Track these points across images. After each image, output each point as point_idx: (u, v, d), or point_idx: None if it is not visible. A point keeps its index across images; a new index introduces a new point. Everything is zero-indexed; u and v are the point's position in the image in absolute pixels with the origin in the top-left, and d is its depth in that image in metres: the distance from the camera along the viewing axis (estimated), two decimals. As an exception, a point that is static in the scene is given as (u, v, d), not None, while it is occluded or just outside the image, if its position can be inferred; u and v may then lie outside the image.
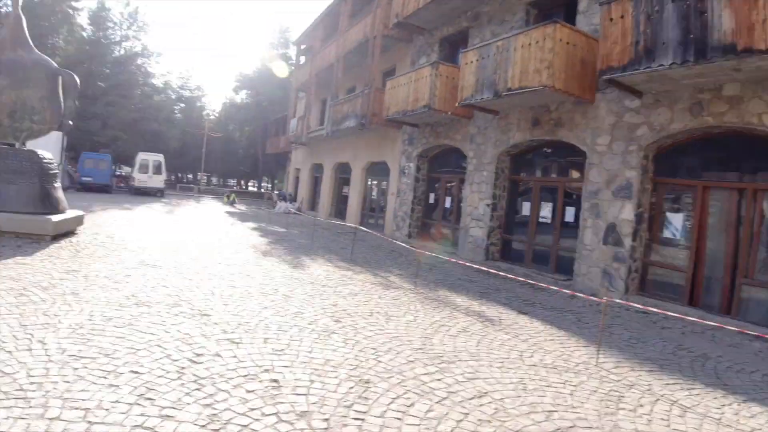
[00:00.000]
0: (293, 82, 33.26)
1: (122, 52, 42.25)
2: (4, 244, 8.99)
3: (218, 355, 4.32)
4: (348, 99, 21.76)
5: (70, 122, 11.40)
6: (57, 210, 10.53)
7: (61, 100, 10.90)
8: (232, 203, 31.82)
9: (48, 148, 30.30)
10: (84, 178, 28.90)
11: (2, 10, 34.56)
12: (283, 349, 4.62)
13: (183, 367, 3.99)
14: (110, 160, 30.54)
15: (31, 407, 3.22)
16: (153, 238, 11.51)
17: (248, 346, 4.63)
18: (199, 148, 46.13)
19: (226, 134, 50.66)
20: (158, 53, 45.71)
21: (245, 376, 3.95)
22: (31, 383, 3.57)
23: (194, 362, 4.13)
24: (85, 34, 41.96)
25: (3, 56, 10.34)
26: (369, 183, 22.23)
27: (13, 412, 3.14)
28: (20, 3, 10.91)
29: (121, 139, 37.73)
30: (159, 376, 3.78)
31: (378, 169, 20.87)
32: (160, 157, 31.58)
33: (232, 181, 68.96)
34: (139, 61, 42.81)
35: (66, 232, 10.52)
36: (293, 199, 31.72)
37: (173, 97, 49.13)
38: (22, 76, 10.37)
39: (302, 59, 32.65)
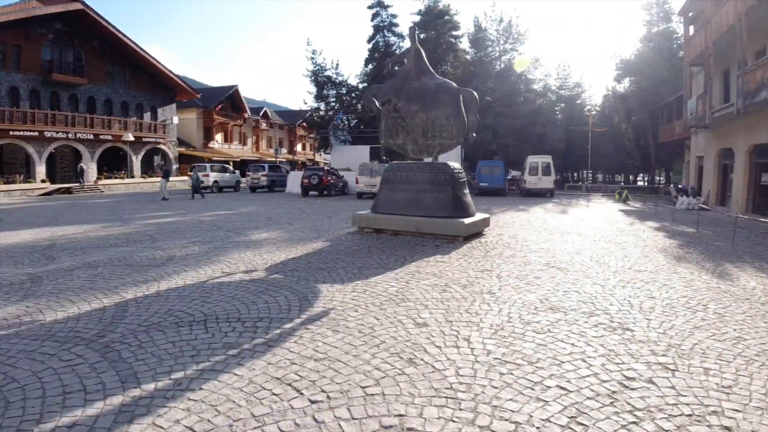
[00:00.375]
0: (685, 57, 29.28)
1: (502, 65, 44.91)
2: (425, 243, 10.36)
3: (652, 382, 3.71)
4: (765, 62, 17.71)
5: (474, 134, 12.42)
6: (467, 214, 11.58)
7: (464, 115, 11.98)
8: (624, 200, 29.84)
9: (450, 159, 35.31)
10: (481, 184, 31.70)
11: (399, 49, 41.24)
12: (730, 387, 3.69)
13: (614, 391, 3.54)
14: (503, 165, 32.69)
15: (461, 410, 3.26)
16: (552, 238, 11.54)
17: (685, 375, 3.86)
18: (583, 146, 45.41)
19: (611, 127, 48.51)
20: (535, 59, 45.91)
21: (689, 416, 3.25)
22: (460, 383, 3.66)
23: (626, 387, 3.63)
24: (468, 57, 46.47)
25: (412, 85, 12.02)
26: None
27: (444, 413, 3.22)
28: (417, 38, 12.53)
29: (511, 146, 40.13)
30: (588, 398, 3.43)
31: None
32: (548, 159, 32.13)
33: (619, 177, 65.94)
34: (518, 71, 44.83)
35: (475, 233, 11.52)
36: (697, 193, 27.53)
37: (553, 98, 49.59)
38: (429, 99, 11.79)
39: (691, 30, 28.50)
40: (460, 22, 48.42)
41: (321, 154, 57.31)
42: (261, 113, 62.46)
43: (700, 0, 25.84)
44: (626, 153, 50.71)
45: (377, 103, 12.45)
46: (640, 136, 45.59)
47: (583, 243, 10.91)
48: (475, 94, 12.48)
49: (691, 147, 30.76)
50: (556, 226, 14.18)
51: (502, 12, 43.02)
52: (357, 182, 26.04)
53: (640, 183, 57.54)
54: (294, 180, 32.41)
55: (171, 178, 42.94)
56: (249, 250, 9.50)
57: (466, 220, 11.11)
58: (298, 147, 72.03)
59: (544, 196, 31.21)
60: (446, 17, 47.10)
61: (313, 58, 43.23)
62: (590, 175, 55.04)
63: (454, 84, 12.26)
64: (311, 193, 28.19)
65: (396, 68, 12.15)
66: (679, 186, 31.65)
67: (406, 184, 11.82)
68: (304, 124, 67.77)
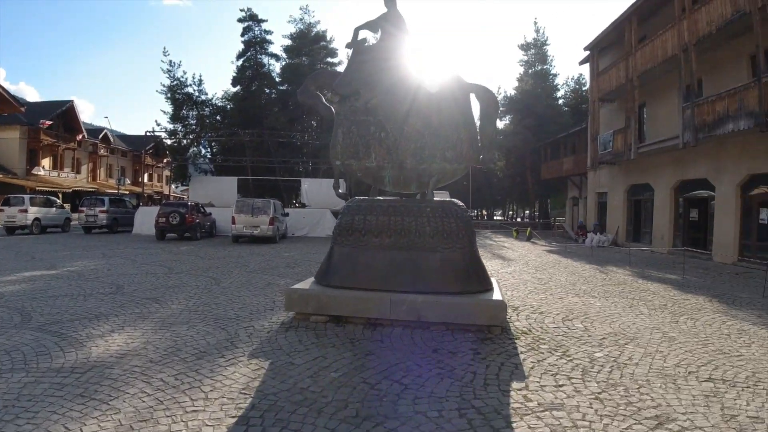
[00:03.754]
0: (592, 93, 28.05)
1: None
2: (442, 345, 5.64)
3: None
4: (729, 93, 16.16)
5: (491, 156, 7.90)
6: (488, 283, 7.00)
7: (476, 125, 7.48)
8: (529, 238, 28.01)
9: (323, 197, 30.90)
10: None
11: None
12: None
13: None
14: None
15: None
16: (589, 310, 7.93)
17: None
18: (460, 182, 43.56)
19: (489, 164, 47.56)
20: None
21: None
22: None
23: None
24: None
25: (388, 70, 7.29)
26: (749, 203, 16.89)
27: None
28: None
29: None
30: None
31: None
32: (446, 195, 28.97)
33: (497, 213, 66.67)
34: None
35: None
36: (602, 230, 26.42)
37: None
38: (428, 98, 7.17)
39: (600, 65, 27.34)
40: (337, 49, 44.73)
41: (175, 186, 49.27)
42: (100, 136, 52.75)
43: (616, 33, 24.72)
44: (503, 189, 50.43)
45: (323, 99, 7.51)
46: (518, 173, 45.04)
47: (592, 306, 7.70)
48: (494, 93, 8.01)
49: (590, 183, 29.90)
50: (545, 283, 10.37)
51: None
52: (233, 222, 20.22)
53: (519, 219, 57.85)
54: (145, 218, 25.51)
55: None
56: (85, 418, 3.75)
57: (496, 295, 6.64)
58: (145, 177, 62.63)
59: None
60: (322, 43, 43.27)
61: (170, 71, 36.39)
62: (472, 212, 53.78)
63: (461, 76, 7.59)
64: (169, 235, 21.78)
65: (363, 43, 7.07)
66: (580, 222, 30.44)
67: (387, 236, 6.89)
68: (152, 150, 59.44)
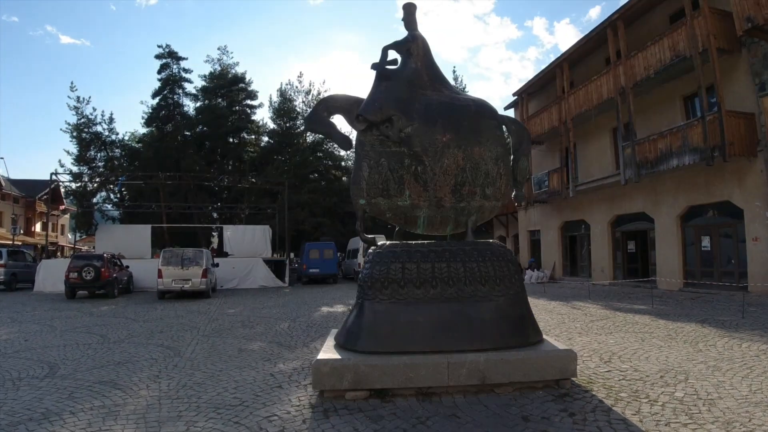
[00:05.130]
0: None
1: (312, 138, 40.66)
2: (519, 407, 4.85)
3: None
4: (671, 132, 16.87)
5: (523, 194, 6.96)
6: (539, 331, 5.98)
7: (510, 159, 6.52)
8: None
9: (260, 242, 28.84)
10: (310, 270, 26.04)
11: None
12: None
13: None
14: (334, 248, 27.48)
15: None
16: (597, 352, 7.03)
17: None
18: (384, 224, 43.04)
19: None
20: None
21: None
22: None
23: None
24: (271, 128, 41.75)
25: (429, 98, 6.21)
26: (689, 232, 18.24)
27: None
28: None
29: (326, 225, 35.28)
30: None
31: (707, 214, 17.58)
32: (383, 239, 28.04)
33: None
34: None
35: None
36: (538, 266, 26.69)
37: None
38: (468, 125, 6.13)
39: (530, 109, 28.02)
40: (258, 91, 43.33)
41: (78, 236, 44.73)
42: (-14, 181, 46.98)
43: (545, 79, 25.78)
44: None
45: (339, 132, 6.26)
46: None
47: (653, 351, 6.92)
48: (524, 126, 7.14)
49: (521, 222, 30.37)
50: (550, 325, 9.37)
51: (311, 83, 38.99)
52: (160, 275, 17.85)
53: None
54: (48, 273, 22.28)
55: None
56: None
57: (558, 344, 5.85)
58: (38, 227, 56.58)
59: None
60: (241, 84, 41.73)
61: (77, 108, 33.15)
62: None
63: (491, 105, 6.61)
64: (80, 292, 18.95)
65: (387, 65, 5.89)
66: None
67: (431, 287, 5.65)
68: (48, 196, 54.02)
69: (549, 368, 5.39)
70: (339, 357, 5.31)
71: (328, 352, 5.55)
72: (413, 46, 6.37)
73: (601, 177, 21.71)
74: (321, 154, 39.79)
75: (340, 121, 6.75)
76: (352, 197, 6.26)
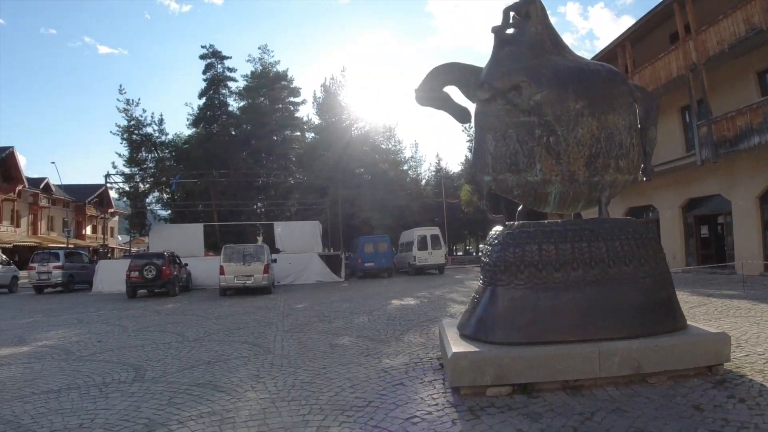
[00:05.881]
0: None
1: (356, 133, 40.28)
2: (686, 397, 4.35)
3: None
4: (750, 108, 15.83)
5: (653, 168, 6.23)
6: (685, 320, 5.30)
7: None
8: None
9: (311, 239, 28.41)
10: (366, 264, 25.56)
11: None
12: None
13: None
14: (389, 241, 26.95)
15: None
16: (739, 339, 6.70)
17: None
18: (440, 216, 42.48)
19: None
20: (389, 127, 42.01)
21: None
22: None
23: None
24: (315, 123, 41.57)
25: (555, 62, 5.52)
26: None
27: None
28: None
29: (374, 219, 34.84)
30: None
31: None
32: (437, 231, 27.50)
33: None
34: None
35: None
36: None
37: (405, 168, 46.20)
38: (600, 92, 5.43)
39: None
40: (300, 88, 43.21)
41: (131, 237, 45.55)
42: (42, 185, 48.30)
43: (607, 59, 24.57)
44: (468, 222, 49.68)
45: (455, 104, 5.65)
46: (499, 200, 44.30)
47: None
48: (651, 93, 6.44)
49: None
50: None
51: (355, 77, 38.73)
52: (222, 272, 17.60)
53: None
54: (106, 273, 22.40)
55: None
56: None
57: (706, 327, 5.51)
58: (89, 230, 58.07)
59: (434, 273, 26.46)
60: (283, 82, 41.61)
61: (127, 110, 33.49)
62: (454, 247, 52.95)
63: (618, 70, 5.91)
64: (140, 291, 18.92)
65: (510, 29, 5.20)
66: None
67: (572, 269, 4.97)
68: (96, 200, 55.34)
69: (703, 353, 4.87)
70: (477, 350, 4.69)
71: (459, 344, 4.93)
72: (532, 8, 5.68)
73: (671, 159, 20.51)
74: (367, 148, 39.34)
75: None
76: (474, 174, 5.61)
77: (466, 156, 51.22)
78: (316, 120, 41.78)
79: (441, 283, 19.24)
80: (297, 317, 11.22)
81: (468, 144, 45.34)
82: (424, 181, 52.73)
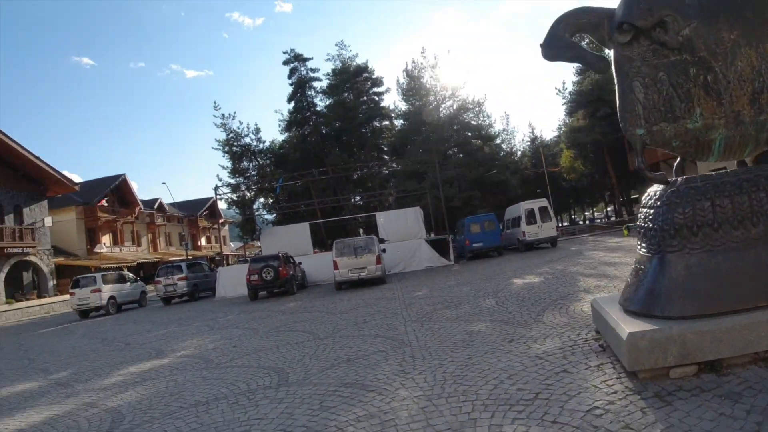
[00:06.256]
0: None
1: (446, 113, 39.53)
2: None
3: None
4: None
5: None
6: None
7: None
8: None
9: (412, 227, 28.15)
10: (474, 245, 24.93)
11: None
12: None
13: None
14: (495, 219, 26.14)
15: None
16: None
17: None
18: (541, 188, 40.80)
19: (566, 165, 44.52)
20: (478, 102, 40.67)
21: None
22: None
23: None
24: (403, 109, 41.30)
25: None
26: None
27: None
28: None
29: (477, 199, 34.08)
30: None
31: None
32: (544, 202, 26.24)
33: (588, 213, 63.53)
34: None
35: None
36: None
37: (498, 142, 44.83)
38: (752, 17, 4.60)
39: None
40: (382, 77, 43.14)
41: (243, 243, 47.92)
42: (155, 206, 52.17)
43: None
44: (574, 191, 47.58)
45: (589, 53, 5.07)
46: (597, 169, 41.96)
47: None
48: None
49: (700, 166, 26.67)
50: None
51: (436, 56, 37.64)
52: (336, 267, 17.81)
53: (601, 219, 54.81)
54: (227, 279, 23.48)
55: (46, 300, 31.96)
56: None
57: None
58: (202, 240, 61.86)
59: (546, 246, 25.27)
60: (365, 74, 41.68)
61: (224, 124, 35.07)
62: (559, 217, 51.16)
63: None
64: (261, 293, 19.63)
65: None
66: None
67: (751, 225, 4.29)
68: (207, 213, 58.80)
69: None
70: (656, 328, 4.14)
71: (630, 323, 4.39)
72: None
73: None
74: (458, 127, 38.53)
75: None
76: (625, 128, 4.98)
77: (561, 121, 48.88)
78: (402, 106, 41.58)
79: (558, 257, 18.30)
80: (420, 305, 10.98)
81: (564, 106, 43.08)
82: (519, 153, 51.04)
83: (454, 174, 33.42)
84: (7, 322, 27.37)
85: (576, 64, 40.50)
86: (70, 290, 22.95)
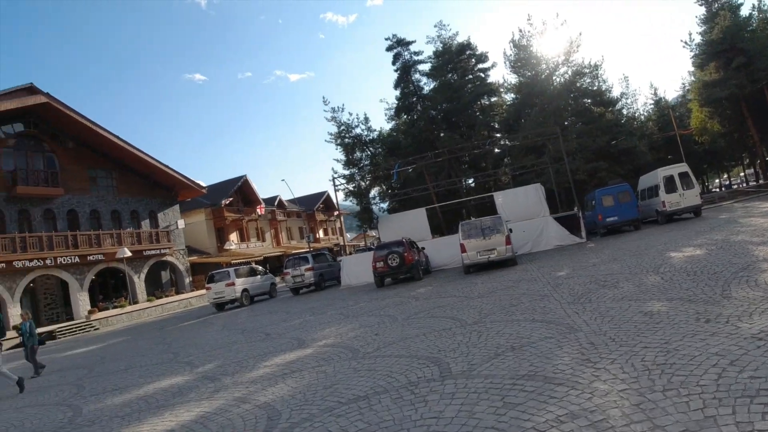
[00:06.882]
0: None
1: (560, 80, 37.18)
2: None
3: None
4: None
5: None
6: None
7: None
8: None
9: (534, 206, 26.49)
10: (608, 219, 23.02)
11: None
12: None
13: None
14: (630, 189, 23.95)
15: None
16: None
17: None
18: (672, 152, 37.38)
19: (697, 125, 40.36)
20: (594, 65, 37.70)
21: None
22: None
23: None
24: (513, 82, 39.42)
25: None
26: None
27: None
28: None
29: (603, 170, 31.75)
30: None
31: None
32: (685, 167, 23.65)
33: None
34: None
35: None
36: None
37: (619, 107, 41.50)
38: None
39: None
40: (487, 52, 41.40)
41: (359, 231, 48.79)
42: (276, 203, 54.57)
43: None
44: (709, 153, 43.12)
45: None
46: (735, 128, 37.54)
47: None
48: None
49: None
50: None
51: (544, 22, 35.41)
52: (463, 249, 17.08)
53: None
54: (351, 268, 23.64)
55: (184, 296, 34.30)
56: None
57: None
58: (320, 233, 63.85)
59: (689, 217, 22.73)
60: (468, 52, 40.26)
61: (335, 118, 35.54)
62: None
63: None
64: (387, 280, 19.44)
65: None
66: None
67: None
68: (322, 206, 60.53)
69: None
70: None
71: None
72: None
73: None
74: (574, 94, 36.08)
75: None
76: None
77: (684, 79, 44.36)
78: (512, 79, 39.70)
79: (709, 227, 16.27)
80: (570, 286, 10.02)
81: (691, 60, 38.88)
82: (643, 117, 47.09)
83: (575, 145, 31.28)
84: (149, 317, 29.68)
85: (701, 11, 35.83)
86: (206, 285, 24.27)
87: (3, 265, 25.14)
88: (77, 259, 28.73)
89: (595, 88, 36.63)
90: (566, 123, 34.98)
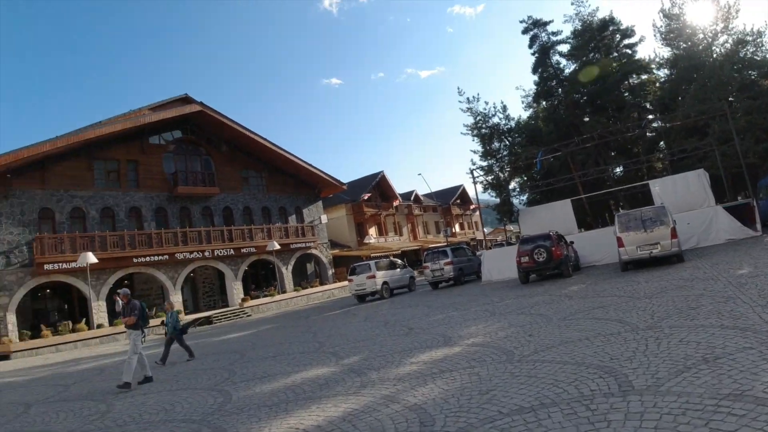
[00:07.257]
0: None
1: (720, 51, 33.11)
2: None
3: None
4: None
5: None
6: None
7: None
8: None
9: (696, 192, 23.53)
10: None
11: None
12: None
13: None
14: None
15: None
16: None
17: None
18: None
19: None
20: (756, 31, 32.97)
21: None
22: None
23: None
24: (666, 56, 35.74)
25: None
26: None
27: None
28: None
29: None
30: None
31: None
32: None
33: None
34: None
35: None
36: None
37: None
38: None
39: None
40: (633, 25, 38.04)
41: (485, 230, 47.68)
42: (412, 198, 55.13)
43: None
44: None
45: None
46: None
47: None
48: None
49: None
50: None
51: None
52: (620, 244, 15.60)
53: None
54: (492, 263, 22.87)
55: (327, 287, 35.75)
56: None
57: None
58: (456, 227, 63.34)
59: None
60: (611, 27, 37.25)
61: (470, 109, 34.83)
62: None
63: None
64: (531, 276, 18.42)
65: None
66: None
67: None
68: (458, 200, 59.94)
69: None
70: None
71: None
72: None
73: None
74: (739, 66, 31.85)
75: None
76: None
77: None
78: (664, 53, 36.07)
79: None
80: (759, 286, 8.62)
81: None
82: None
83: (743, 123, 27.56)
84: (295, 306, 31.28)
85: None
86: (348, 277, 24.96)
87: (166, 257, 27.93)
88: (232, 252, 31.15)
89: (759, 58, 32.02)
90: (731, 99, 31.03)
